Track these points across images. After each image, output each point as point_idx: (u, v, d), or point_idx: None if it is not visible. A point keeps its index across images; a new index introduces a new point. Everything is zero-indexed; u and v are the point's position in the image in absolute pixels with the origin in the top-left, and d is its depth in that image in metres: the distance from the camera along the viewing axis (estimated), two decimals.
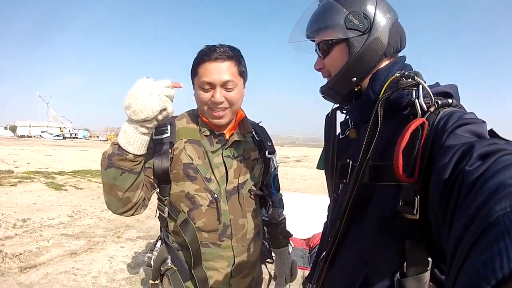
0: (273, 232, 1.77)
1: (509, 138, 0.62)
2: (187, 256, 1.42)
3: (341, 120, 1.16)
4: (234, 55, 1.39)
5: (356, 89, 0.99)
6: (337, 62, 0.98)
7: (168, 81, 1.22)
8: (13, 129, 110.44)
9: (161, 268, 1.47)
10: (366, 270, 0.87)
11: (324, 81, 1.06)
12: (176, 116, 1.52)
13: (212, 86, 1.35)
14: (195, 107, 1.53)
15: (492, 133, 0.68)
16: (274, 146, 1.61)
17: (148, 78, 1.21)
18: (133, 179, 1.26)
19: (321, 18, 0.98)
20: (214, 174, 1.42)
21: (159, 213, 1.51)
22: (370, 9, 0.92)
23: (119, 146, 1.21)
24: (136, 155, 1.22)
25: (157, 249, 1.50)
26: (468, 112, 0.78)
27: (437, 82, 0.88)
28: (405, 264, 0.78)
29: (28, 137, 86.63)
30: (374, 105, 0.86)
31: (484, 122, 0.71)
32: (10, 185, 9.55)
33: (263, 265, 1.75)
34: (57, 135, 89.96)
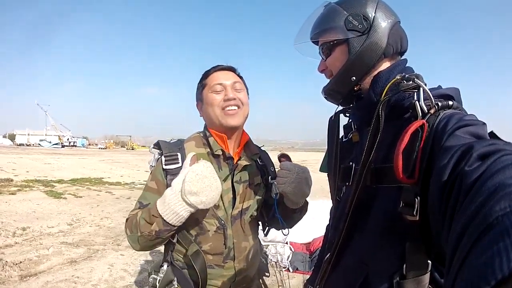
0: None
1: (510, 140, 0.62)
2: (194, 275, 1.44)
3: (344, 124, 1.17)
4: (236, 69, 1.55)
5: (355, 88, 1.01)
6: (338, 62, 1.01)
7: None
8: (12, 137, 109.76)
9: None
10: (366, 271, 0.88)
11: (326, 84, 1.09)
12: (183, 140, 1.55)
13: (223, 86, 1.45)
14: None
15: (492, 135, 0.69)
16: (272, 159, 1.66)
17: (204, 162, 1.30)
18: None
19: (323, 21, 1.02)
20: (222, 201, 1.45)
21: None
22: (370, 11, 0.95)
23: (170, 224, 1.27)
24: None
25: (163, 271, 1.48)
26: (468, 114, 0.79)
27: (439, 85, 0.89)
28: (404, 266, 0.78)
29: (27, 145, 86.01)
30: (375, 107, 0.88)
31: (484, 124, 0.72)
32: (10, 194, 9.52)
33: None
34: (55, 144, 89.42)
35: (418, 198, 0.72)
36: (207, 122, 1.54)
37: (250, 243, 1.53)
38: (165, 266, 1.50)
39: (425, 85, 0.82)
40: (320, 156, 1.30)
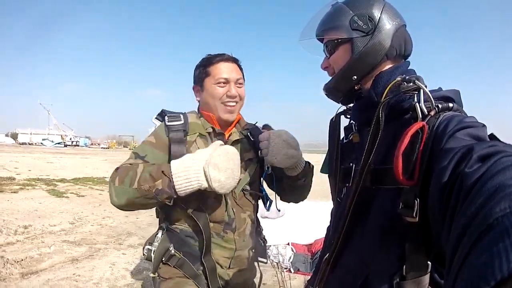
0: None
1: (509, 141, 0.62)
2: (200, 240, 1.46)
3: (345, 125, 1.18)
4: (238, 60, 1.60)
5: (356, 87, 1.03)
6: (341, 60, 1.02)
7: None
8: (14, 136, 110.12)
9: (163, 259, 1.48)
10: (366, 272, 0.88)
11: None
12: (184, 113, 1.61)
13: (227, 81, 1.52)
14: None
15: (492, 137, 0.69)
16: None
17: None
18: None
19: (329, 19, 1.03)
20: None
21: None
22: (376, 12, 0.96)
23: (174, 189, 1.25)
24: None
25: (158, 239, 1.50)
26: (468, 116, 0.79)
27: (439, 87, 0.89)
28: (404, 266, 0.79)
29: (30, 144, 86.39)
30: (376, 108, 0.88)
31: (484, 126, 0.72)
32: (12, 192, 9.54)
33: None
34: (58, 143, 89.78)
35: (418, 199, 0.72)
36: (202, 106, 1.61)
37: (249, 217, 1.58)
38: (159, 234, 1.52)
39: (426, 87, 0.83)
40: (321, 157, 1.31)
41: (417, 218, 0.72)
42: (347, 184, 1.05)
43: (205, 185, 1.25)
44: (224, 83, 1.51)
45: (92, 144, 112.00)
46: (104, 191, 11.06)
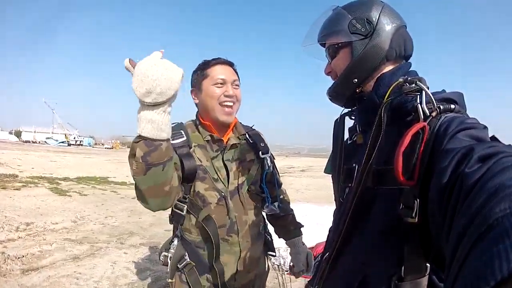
0: (283, 224, 1.86)
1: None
2: (209, 248, 1.52)
3: (350, 126, 1.19)
4: (234, 64, 1.67)
5: (357, 90, 1.03)
6: (342, 64, 1.03)
7: (158, 53, 1.09)
8: (18, 134, 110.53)
9: (179, 266, 1.55)
10: (364, 272, 0.88)
11: None
12: (182, 123, 1.65)
13: (224, 82, 1.57)
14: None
15: (493, 139, 0.69)
16: (269, 147, 1.74)
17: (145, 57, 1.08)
18: (172, 165, 1.23)
19: (329, 24, 1.05)
20: (220, 176, 1.57)
21: (176, 211, 1.55)
22: (374, 15, 0.97)
23: (149, 140, 1.10)
24: (169, 138, 1.15)
25: (173, 246, 1.58)
26: (470, 117, 0.79)
27: (443, 89, 0.89)
28: (403, 268, 0.78)
29: (33, 142, 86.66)
30: (378, 109, 0.89)
31: (485, 127, 0.73)
32: (14, 189, 9.60)
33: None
34: (62, 142, 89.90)
35: (418, 200, 0.72)
36: (200, 110, 1.66)
37: (251, 218, 1.62)
38: (175, 241, 1.60)
39: (428, 88, 0.83)
40: (326, 161, 1.32)
41: (417, 218, 0.72)
42: (349, 185, 1.06)
43: (159, 106, 1.08)
44: (221, 83, 1.56)
45: (96, 144, 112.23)
46: (107, 190, 11.11)
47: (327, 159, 1.34)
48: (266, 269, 1.79)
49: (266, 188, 1.67)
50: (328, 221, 1.28)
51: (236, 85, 1.61)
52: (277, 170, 1.83)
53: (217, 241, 1.50)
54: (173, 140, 1.40)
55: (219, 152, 1.61)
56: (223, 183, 1.56)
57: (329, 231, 1.28)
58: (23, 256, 4.44)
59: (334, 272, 1.00)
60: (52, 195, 9.37)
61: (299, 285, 3.87)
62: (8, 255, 4.41)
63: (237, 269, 1.56)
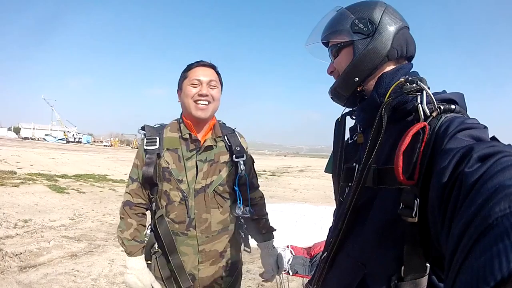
0: (255, 227, 1.95)
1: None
2: (161, 246, 1.73)
3: (351, 126, 1.19)
4: (215, 66, 1.80)
5: (358, 89, 1.04)
6: (344, 62, 1.03)
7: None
8: (17, 130, 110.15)
9: (151, 251, 1.77)
10: (363, 272, 0.88)
11: None
12: (165, 124, 1.83)
13: (200, 82, 1.69)
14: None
15: (493, 139, 0.69)
16: (246, 150, 1.86)
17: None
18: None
19: (332, 24, 1.06)
20: (186, 176, 1.71)
21: (151, 206, 1.80)
22: (376, 15, 0.98)
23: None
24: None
25: (147, 235, 1.79)
26: (470, 118, 0.79)
27: (444, 90, 0.89)
28: (402, 268, 0.78)
29: (32, 139, 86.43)
30: (379, 108, 0.89)
31: (486, 127, 0.73)
32: (12, 186, 9.60)
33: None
34: (60, 139, 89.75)
35: (417, 200, 0.72)
36: (182, 109, 1.79)
37: (213, 216, 1.74)
38: (148, 231, 1.81)
39: (429, 88, 0.83)
40: (325, 161, 1.32)
41: (416, 218, 0.72)
42: (350, 184, 1.05)
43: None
44: (197, 84, 1.69)
45: (94, 141, 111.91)
46: (105, 188, 11.10)
47: (326, 159, 1.35)
48: (238, 264, 1.91)
49: (239, 190, 1.79)
50: (326, 222, 1.29)
51: (212, 85, 1.72)
52: (255, 173, 1.98)
53: (168, 240, 1.69)
54: (147, 145, 1.71)
55: (194, 152, 1.74)
56: (188, 184, 1.70)
57: (329, 230, 1.29)
58: (21, 253, 4.44)
59: (332, 272, 1.00)
60: (50, 192, 9.36)
61: (296, 284, 3.88)
62: (6, 252, 4.40)
63: (198, 260, 1.72)
